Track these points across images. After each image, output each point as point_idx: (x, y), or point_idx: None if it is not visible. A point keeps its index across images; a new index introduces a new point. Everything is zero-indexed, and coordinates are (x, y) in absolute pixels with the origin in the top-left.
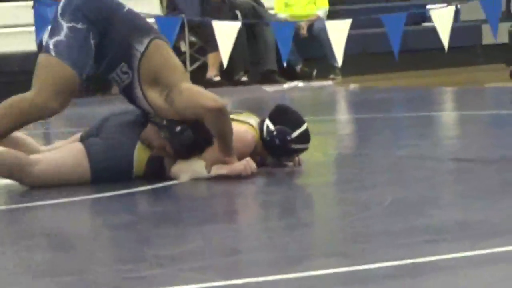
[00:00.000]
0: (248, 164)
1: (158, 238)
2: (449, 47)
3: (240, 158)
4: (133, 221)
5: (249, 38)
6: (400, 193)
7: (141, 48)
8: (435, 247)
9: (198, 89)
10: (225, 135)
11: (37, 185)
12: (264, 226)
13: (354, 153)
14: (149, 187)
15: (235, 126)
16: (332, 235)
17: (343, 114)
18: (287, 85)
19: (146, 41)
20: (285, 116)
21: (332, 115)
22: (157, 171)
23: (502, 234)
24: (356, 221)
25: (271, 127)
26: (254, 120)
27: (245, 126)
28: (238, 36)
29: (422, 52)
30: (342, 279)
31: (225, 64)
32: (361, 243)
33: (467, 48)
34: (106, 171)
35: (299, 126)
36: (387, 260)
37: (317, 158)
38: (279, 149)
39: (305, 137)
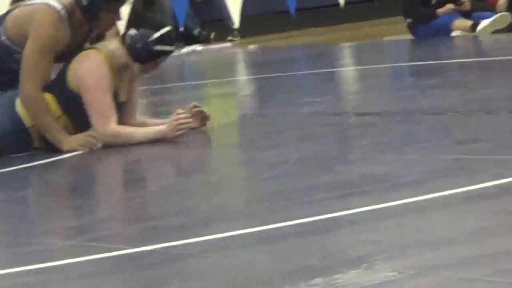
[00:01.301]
0: (87, 138)
1: (65, 210)
2: (345, 3)
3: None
4: (38, 194)
5: (145, 4)
6: (306, 151)
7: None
8: (344, 202)
9: (26, 67)
10: (41, 126)
11: None
12: (171, 191)
13: (257, 113)
14: (50, 159)
15: (85, 57)
16: (239, 196)
17: (243, 75)
18: (185, 50)
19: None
20: (146, 23)
21: (232, 76)
22: None
23: (407, 186)
24: (262, 181)
25: (133, 32)
26: (113, 44)
27: (91, 52)
28: (134, 2)
29: (319, 9)
30: (252, 239)
31: (121, 31)
32: (269, 202)
33: (364, 2)
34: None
35: (160, 28)
36: (296, 218)
37: (219, 120)
38: (141, 52)
39: (167, 39)
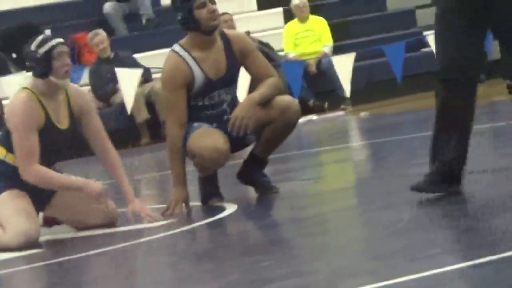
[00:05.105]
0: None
1: (198, 275)
2: None
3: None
4: (173, 261)
5: None
6: (416, 211)
7: None
8: (458, 256)
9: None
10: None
11: None
12: (294, 253)
13: (371, 176)
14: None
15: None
16: (361, 255)
17: (357, 141)
18: (301, 120)
19: None
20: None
21: (347, 142)
22: None
23: None
24: (381, 239)
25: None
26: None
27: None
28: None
29: (424, 75)
30: None
31: None
32: (389, 259)
33: None
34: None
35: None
36: (416, 273)
37: (338, 184)
38: (37, 68)
39: (43, 40)
